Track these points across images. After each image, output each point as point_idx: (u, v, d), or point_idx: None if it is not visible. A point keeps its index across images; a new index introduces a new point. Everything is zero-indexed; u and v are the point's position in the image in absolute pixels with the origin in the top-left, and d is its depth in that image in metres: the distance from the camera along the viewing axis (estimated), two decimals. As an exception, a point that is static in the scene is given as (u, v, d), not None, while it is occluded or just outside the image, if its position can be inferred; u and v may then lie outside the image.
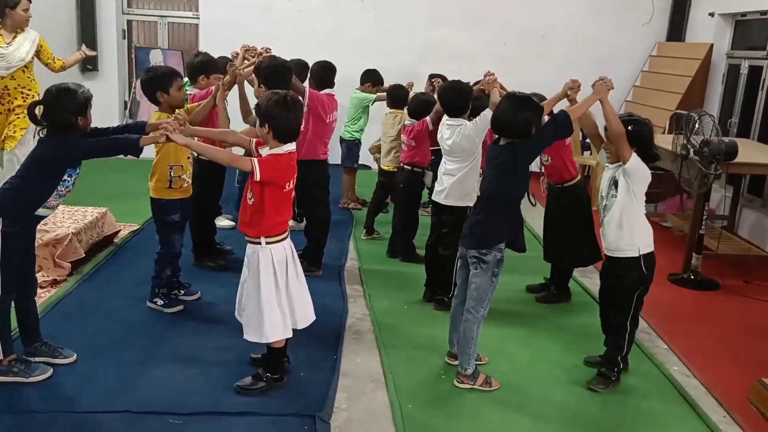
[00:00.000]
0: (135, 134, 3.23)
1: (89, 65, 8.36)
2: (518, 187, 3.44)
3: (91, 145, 3.15)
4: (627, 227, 3.43)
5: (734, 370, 3.80)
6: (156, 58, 8.73)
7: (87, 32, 8.29)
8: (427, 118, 4.96)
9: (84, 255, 4.62)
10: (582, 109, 3.56)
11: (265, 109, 3.06)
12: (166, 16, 8.87)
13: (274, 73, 4.14)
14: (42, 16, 7.31)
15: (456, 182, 4.16)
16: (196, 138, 3.36)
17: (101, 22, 8.48)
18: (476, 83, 4.43)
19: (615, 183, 3.46)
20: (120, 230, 5.34)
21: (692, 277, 5.15)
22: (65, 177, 3.11)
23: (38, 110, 3.13)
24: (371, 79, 6.57)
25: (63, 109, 3.07)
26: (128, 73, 8.92)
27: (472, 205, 3.80)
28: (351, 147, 6.61)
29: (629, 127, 3.42)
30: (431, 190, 5.26)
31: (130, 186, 6.82)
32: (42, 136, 3.12)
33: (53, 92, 3.12)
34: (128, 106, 8.87)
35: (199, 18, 8.65)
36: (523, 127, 3.27)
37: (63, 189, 3.14)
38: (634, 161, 3.37)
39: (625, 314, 3.49)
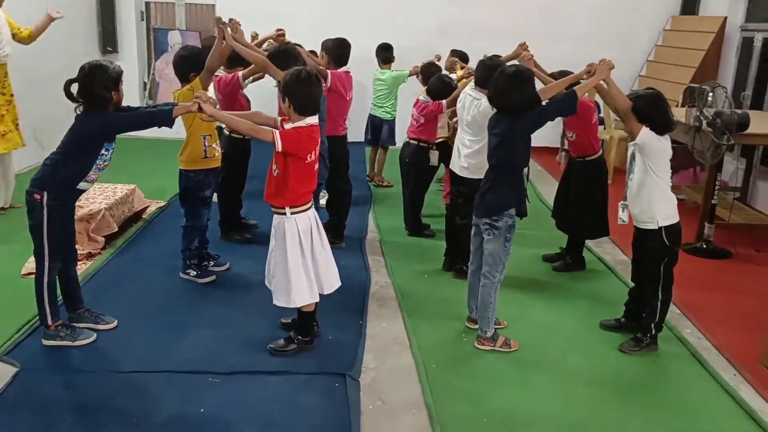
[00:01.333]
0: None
1: (109, 47, 8.51)
2: (520, 156, 3.57)
3: (127, 118, 3.33)
4: (645, 200, 3.57)
5: (745, 333, 3.94)
6: (174, 39, 8.88)
7: (106, 15, 8.43)
8: (444, 102, 5.10)
9: (117, 229, 4.81)
10: (585, 89, 3.68)
11: (285, 85, 3.23)
12: (183, -2, 8.99)
13: (283, 57, 4.23)
14: (61, 1, 7.48)
15: (471, 155, 4.30)
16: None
17: (120, 4, 8.60)
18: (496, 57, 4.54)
19: (633, 158, 3.59)
20: (148, 206, 5.53)
21: (705, 246, 5.27)
22: (103, 151, 3.29)
23: (73, 88, 3.29)
24: (381, 55, 6.69)
25: (97, 84, 3.23)
26: (147, 54, 9.06)
27: None
28: (392, 127, 6.76)
29: (634, 104, 3.55)
30: (436, 167, 5.42)
31: (152, 164, 7.03)
32: (78, 113, 3.28)
33: (87, 68, 3.27)
34: (147, 87, 9.03)
35: (216, -1, 8.75)
36: (515, 100, 3.42)
37: (102, 162, 3.31)
38: (643, 136, 3.50)
39: (655, 284, 3.62)
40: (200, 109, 3.21)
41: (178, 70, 4.12)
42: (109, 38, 8.49)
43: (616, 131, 7.39)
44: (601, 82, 3.67)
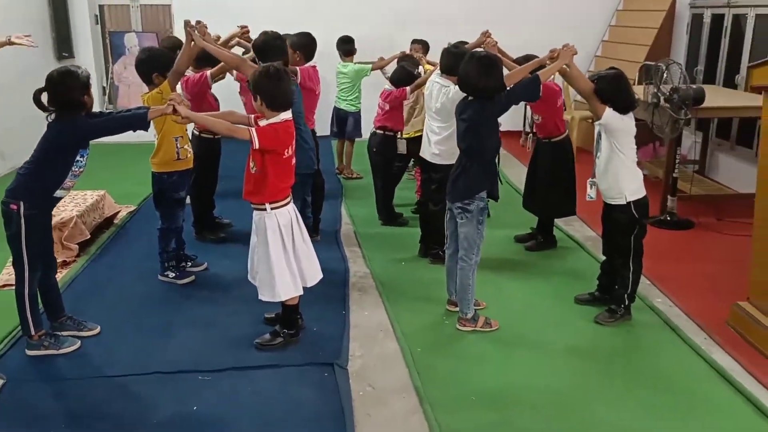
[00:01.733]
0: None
1: (64, 53, 8.35)
2: (489, 140, 3.66)
3: (102, 123, 3.30)
4: (612, 177, 3.70)
5: (712, 298, 4.11)
6: (131, 42, 8.78)
7: (60, 20, 8.27)
8: (407, 88, 5.20)
9: (90, 236, 4.78)
10: (549, 74, 3.77)
11: (255, 83, 3.26)
12: (138, -1, 8.88)
13: (268, 45, 4.21)
14: (13, 6, 7.34)
15: (440, 141, 4.38)
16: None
17: (73, 8, 8.47)
18: (461, 43, 4.63)
19: (599, 137, 3.72)
20: (119, 211, 5.49)
21: (669, 218, 5.46)
22: (78, 157, 3.27)
23: (44, 97, 3.26)
24: (342, 48, 6.73)
25: (69, 89, 3.21)
26: (104, 59, 8.93)
27: None
28: (357, 119, 6.81)
29: (596, 86, 3.67)
30: (404, 156, 5.50)
31: (119, 169, 6.96)
32: (51, 120, 3.26)
33: (56, 76, 3.24)
34: (106, 91, 8.91)
35: (171, -1, 8.67)
36: (486, 86, 3.50)
37: (77, 169, 3.29)
38: (606, 116, 3.63)
39: (625, 256, 3.76)
40: (175, 111, 3.21)
41: (140, 71, 4.09)
42: (64, 44, 8.34)
43: (577, 112, 7.57)
44: (564, 66, 3.78)
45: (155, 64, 4.02)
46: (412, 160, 5.54)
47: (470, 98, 3.61)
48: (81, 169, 3.35)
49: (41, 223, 3.36)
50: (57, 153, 3.25)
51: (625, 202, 3.68)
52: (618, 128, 3.64)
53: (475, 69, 3.51)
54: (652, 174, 6.44)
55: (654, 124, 5.31)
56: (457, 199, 3.69)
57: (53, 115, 3.26)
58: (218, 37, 5.41)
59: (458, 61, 4.14)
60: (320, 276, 3.57)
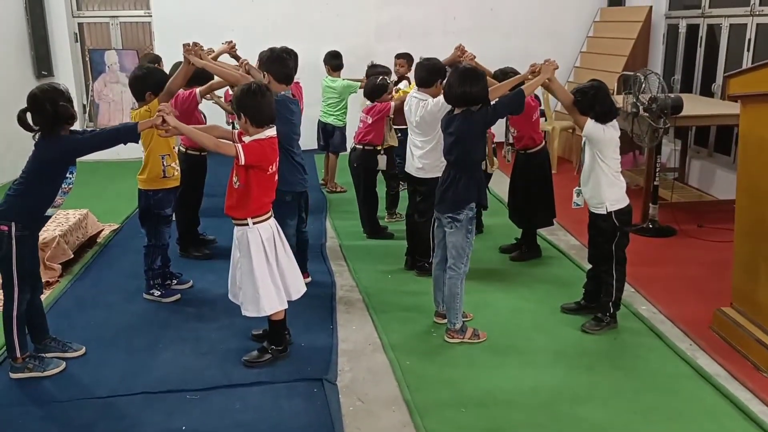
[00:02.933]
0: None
1: (44, 71, 8.29)
2: (476, 152, 3.70)
3: (91, 139, 3.28)
4: (594, 186, 3.75)
5: (696, 304, 4.16)
6: (111, 59, 8.74)
7: (38, 38, 8.22)
8: (392, 103, 5.24)
9: (72, 256, 4.74)
10: (532, 89, 3.83)
11: (237, 101, 3.27)
12: (117, 17, 8.85)
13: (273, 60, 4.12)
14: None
15: (424, 155, 4.40)
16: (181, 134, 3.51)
17: (52, 26, 8.41)
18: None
19: (584, 147, 3.77)
20: (102, 230, 5.45)
21: (651, 226, 5.52)
22: (67, 174, 3.25)
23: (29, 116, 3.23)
24: (330, 63, 6.75)
25: (57, 102, 3.18)
26: (84, 76, 8.88)
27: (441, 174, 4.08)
28: (344, 133, 6.81)
29: (574, 98, 3.73)
30: (385, 172, 5.53)
31: (100, 187, 6.91)
32: (37, 140, 3.24)
33: (38, 93, 3.20)
34: (87, 109, 8.85)
35: (151, 15, 8.66)
36: (470, 98, 3.54)
37: (66, 186, 3.27)
38: (588, 127, 3.69)
39: (609, 263, 3.81)
40: (164, 122, 3.20)
41: (134, 89, 4.09)
42: (43, 62, 8.28)
43: (558, 122, 7.65)
44: (546, 80, 3.83)
45: (150, 83, 4.00)
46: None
47: (455, 111, 3.64)
48: (70, 186, 3.33)
49: (31, 243, 3.33)
50: (46, 172, 3.23)
51: (606, 212, 3.72)
52: (600, 138, 3.69)
53: (459, 81, 3.54)
54: (632, 182, 6.50)
55: (633, 133, 5.38)
56: (446, 211, 3.71)
57: (39, 134, 3.23)
58: (211, 50, 5.39)
59: (431, 74, 4.21)
60: (304, 289, 3.56)
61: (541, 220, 4.95)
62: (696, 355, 3.57)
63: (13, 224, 3.19)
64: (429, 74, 4.28)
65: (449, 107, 4.00)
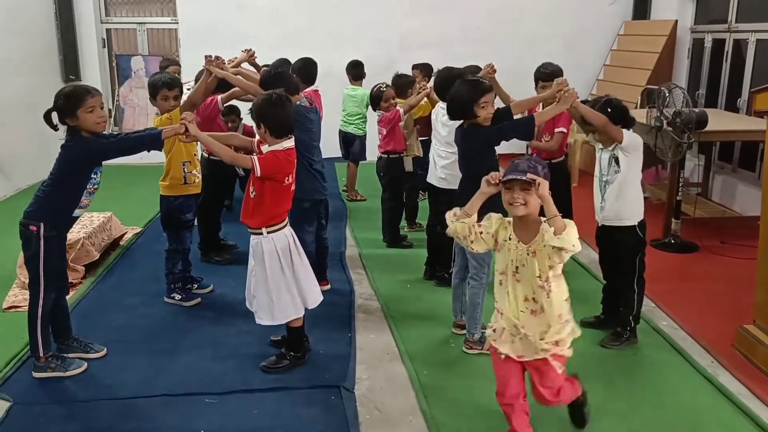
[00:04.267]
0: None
1: (71, 75, 8.45)
2: (486, 164, 3.63)
3: (116, 143, 3.34)
4: (628, 199, 3.70)
5: (718, 320, 4.11)
6: (137, 65, 8.88)
7: (67, 42, 8.39)
8: (400, 108, 5.28)
9: (97, 257, 4.80)
10: (546, 117, 3.82)
11: (257, 111, 3.30)
12: (144, 23, 8.99)
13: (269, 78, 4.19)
14: (22, 29, 7.45)
15: (447, 165, 4.41)
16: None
17: (80, 31, 8.57)
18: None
19: (616, 160, 3.70)
20: (126, 233, 5.51)
21: (672, 241, 5.48)
22: (92, 175, 3.31)
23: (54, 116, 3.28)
24: (352, 72, 6.79)
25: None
26: (110, 81, 9.02)
27: None
28: (364, 142, 6.85)
29: (608, 111, 3.67)
30: (412, 173, 5.56)
31: (124, 191, 6.99)
32: (64, 142, 3.30)
33: (75, 94, 3.25)
34: (112, 113, 8.98)
35: (177, 22, 8.79)
36: (464, 108, 3.54)
37: (92, 186, 3.33)
38: (628, 137, 3.65)
39: (631, 276, 3.78)
40: (186, 130, 3.24)
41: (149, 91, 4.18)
42: (71, 66, 8.44)
43: (579, 135, 7.60)
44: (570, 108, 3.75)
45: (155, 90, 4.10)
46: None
47: (464, 125, 3.65)
48: (95, 186, 3.39)
49: (59, 244, 3.39)
50: (72, 174, 3.29)
51: (634, 223, 3.70)
52: (638, 146, 3.69)
53: (461, 91, 3.55)
54: (654, 197, 6.47)
55: (657, 147, 5.34)
56: None
57: (66, 136, 3.29)
58: (232, 60, 5.46)
59: (448, 84, 4.23)
60: (321, 298, 3.57)
61: None
62: (717, 373, 3.53)
63: (41, 224, 3.25)
64: (445, 84, 4.30)
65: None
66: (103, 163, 3.38)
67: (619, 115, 3.69)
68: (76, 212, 3.36)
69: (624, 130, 3.66)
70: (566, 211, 4.79)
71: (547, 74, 4.58)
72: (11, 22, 7.23)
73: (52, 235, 3.29)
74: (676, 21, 7.79)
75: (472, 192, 3.64)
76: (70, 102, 3.22)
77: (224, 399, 3.22)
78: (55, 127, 3.28)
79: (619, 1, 8.84)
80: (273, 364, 3.50)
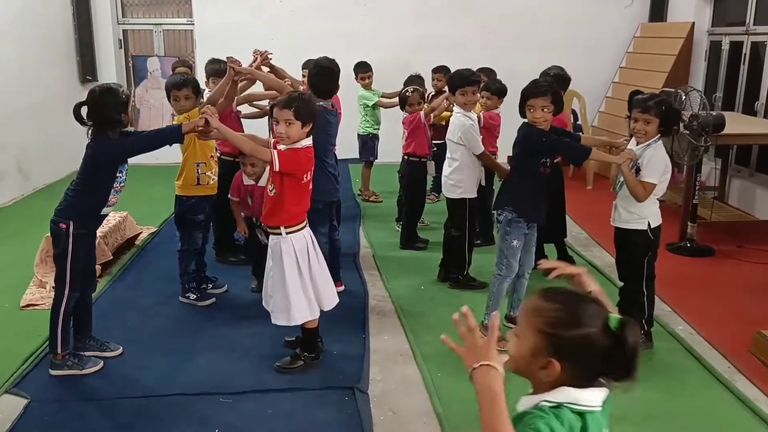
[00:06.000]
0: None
1: (88, 76, 8.51)
2: (527, 162, 3.69)
3: (138, 140, 3.40)
4: (638, 203, 3.64)
5: (734, 325, 4.07)
6: (153, 66, 8.93)
7: (84, 43, 8.46)
8: (421, 112, 5.30)
9: (112, 257, 4.84)
10: (600, 159, 3.95)
11: (298, 109, 3.26)
12: (161, 24, 9.05)
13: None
14: (40, 30, 7.52)
15: (453, 172, 4.49)
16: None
17: (98, 33, 8.63)
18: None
19: (637, 169, 3.64)
20: (141, 232, 5.55)
21: (689, 245, 5.43)
22: (117, 173, 3.33)
23: (83, 111, 3.31)
24: (355, 71, 6.80)
25: (107, 106, 3.27)
26: (126, 82, 9.08)
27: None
28: (366, 141, 6.86)
29: (663, 110, 3.58)
30: (434, 177, 5.59)
31: (139, 191, 7.02)
32: (89, 140, 3.33)
33: (97, 91, 3.32)
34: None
35: (193, 24, 8.84)
36: (520, 104, 3.64)
37: (118, 185, 3.36)
38: (650, 188, 3.59)
39: (639, 280, 3.75)
40: (207, 123, 3.26)
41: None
42: (88, 67, 8.51)
43: (595, 138, 7.56)
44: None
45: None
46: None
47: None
48: (122, 185, 3.42)
49: (87, 242, 3.43)
50: (97, 173, 3.32)
51: (645, 228, 3.67)
52: (666, 178, 3.68)
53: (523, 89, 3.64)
54: (671, 200, 6.42)
55: (673, 150, 5.30)
56: (494, 207, 3.87)
57: (91, 135, 3.32)
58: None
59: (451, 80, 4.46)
60: (336, 300, 3.58)
61: (557, 234, 4.93)
62: (734, 378, 3.50)
63: (71, 222, 3.29)
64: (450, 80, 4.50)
65: (465, 126, 4.32)
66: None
67: (671, 118, 3.65)
68: (105, 210, 3.39)
69: (650, 186, 3.57)
70: (558, 214, 4.78)
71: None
72: (30, 24, 7.30)
73: (81, 234, 3.33)
74: (693, 23, 7.73)
75: (511, 184, 3.77)
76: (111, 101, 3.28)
77: (239, 399, 3.23)
78: (84, 123, 3.31)
79: (635, 3, 8.79)
80: (287, 365, 3.51)
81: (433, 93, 6.35)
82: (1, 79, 6.70)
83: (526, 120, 3.67)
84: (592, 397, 1.46)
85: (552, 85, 3.75)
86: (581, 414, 1.44)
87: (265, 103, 5.45)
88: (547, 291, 1.52)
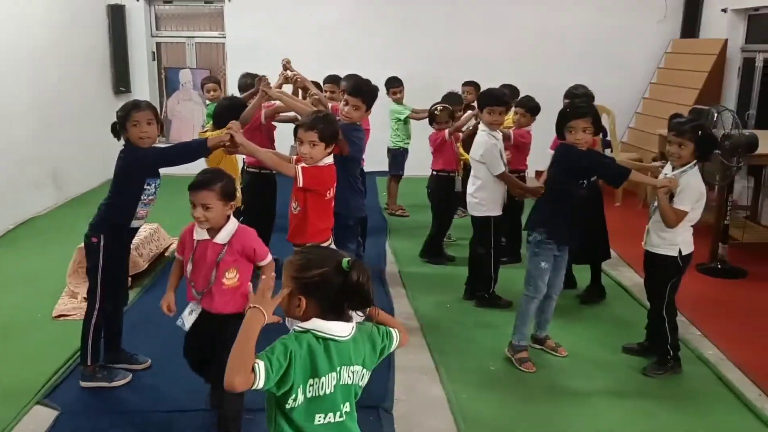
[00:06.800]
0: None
1: (122, 87, 8.68)
2: (565, 183, 3.67)
3: (162, 151, 3.44)
4: (671, 230, 3.60)
5: (766, 350, 4.00)
6: (185, 78, 9.08)
7: (119, 56, 8.63)
8: (445, 132, 5.37)
9: (146, 267, 4.92)
10: (640, 180, 3.84)
11: (324, 130, 3.34)
12: (193, 37, 9.20)
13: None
14: (77, 43, 7.70)
15: (477, 190, 4.49)
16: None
17: (132, 45, 8.79)
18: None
19: (671, 195, 3.60)
20: (171, 244, 5.62)
21: (719, 266, 5.35)
22: (146, 186, 3.37)
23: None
24: (387, 86, 6.84)
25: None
26: (158, 93, 9.23)
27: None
28: (396, 155, 6.92)
29: (699, 134, 3.55)
30: (462, 193, 5.58)
31: (169, 202, 7.11)
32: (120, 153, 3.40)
33: (125, 107, 3.37)
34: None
35: (225, 37, 8.96)
36: (558, 125, 3.63)
37: (146, 198, 3.40)
38: (681, 215, 3.55)
39: (660, 305, 3.71)
40: (232, 138, 3.29)
41: (221, 118, 4.17)
42: (122, 78, 8.68)
43: (624, 154, 7.51)
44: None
45: (236, 113, 4.14)
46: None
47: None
48: (151, 198, 3.45)
49: (118, 256, 3.49)
50: (126, 183, 3.38)
51: (676, 254, 3.62)
52: (701, 204, 3.67)
53: (562, 110, 3.68)
54: (701, 220, 6.31)
55: (705, 170, 5.23)
56: (526, 227, 3.85)
57: (122, 147, 3.39)
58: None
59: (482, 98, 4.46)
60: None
61: (604, 253, 4.83)
62: (765, 406, 3.44)
63: (101, 236, 3.36)
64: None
65: (487, 145, 4.29)
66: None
67: (706, 145, 3.59)
68: (134, 223, 3.45)
69: (684, 210, 3.54)
70: (600, 233, 4.70)
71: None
72: (68, 37, 7.47)
73: (112, 247, 3.39)
74: (726, 40, 7.64)
75: (544, 205, 3.75)
76: (121, 115, 3.34)
77: (262, 415, 3.21)
78: (118, 137, 3.38)
79: (667, 19, 8.71)
80: (311, 383, 3.53)
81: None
82: (40, 91, 6.86)
83: (562, 141, 3.66)
84: (338, 328, 1.88)
85: (592, 106, 3.74)
86: (325, 340, 1.86)
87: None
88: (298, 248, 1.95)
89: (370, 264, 5.22)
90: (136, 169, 3.37)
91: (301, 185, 3.29)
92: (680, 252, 3.62)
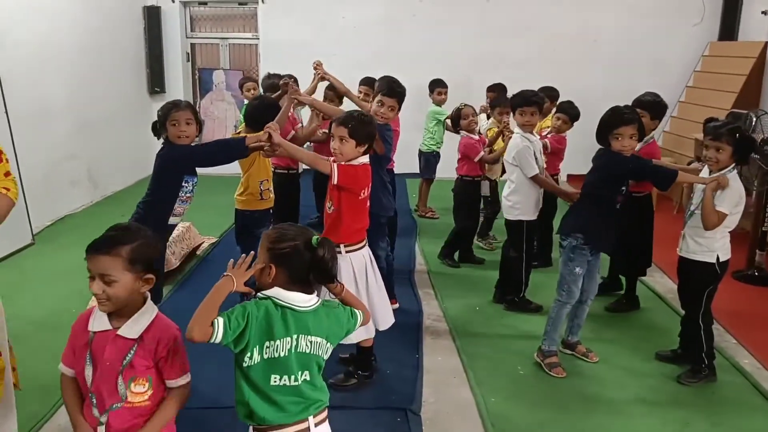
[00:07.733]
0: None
1: (157, 87, 8.82)
2: (600, 187, 3.63)
3: (200, 149, 3.49)
4: (709, 235, 3.53)
5: (805, 362, 3.90)
6: (219, 78, 9.18)
7: (154, 56, 8.76)
8: (481, 152, 5.38)
9: (177, 265, 4.98)
10: (687, 180, 3.72)
11: (355, 128, 3.31)
12: (227, 38, 9.30)
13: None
14: (114, 44, 7.83)
15: (512, 193, 4.46)
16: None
17: (167, 46, 8.94)
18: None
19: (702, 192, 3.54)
20: (203, 242, 5.69)
21: (756, 273, 5.24)
22: (183, 183, 3.40)
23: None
24: (431, 87, 6.83)
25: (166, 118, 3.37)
26: (192, 94, 9.35)
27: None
28: (428, 158, 6.90)
29: (736, 137, 3.47)
30: (488, 197, 5.58)
31: (201, 201, 7.18)
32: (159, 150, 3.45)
33: (165, 107, 3.43)
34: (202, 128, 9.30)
35: (258, 39, 9.04)
36: (601, 132, 3.57)
37: (184, 195, 3.43)
38: (722, 218, 3.47)
39: (696, 312, 3.64)
40: (270, 138, 3.30)
41: (252, 119, 4.23)
42: (156, 79, 8.81)
43: (664, 159, 7.37)
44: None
45: (269, 113, 4.06)
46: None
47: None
48: (188, 195, 3.48)
49: None
50: (164, 180, 3.42)
51: (713, 261, 3.55)
52: (739, 208, 3.60)
53: (605, 116, 3.59)
54: (738, 226, 6.18)
55: (742, 175, 5.12)
56: (559, 231, 3.78)
57: (162, 145, 3.45)
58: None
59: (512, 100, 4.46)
60: (392, 321, 3.58)
61: (645, 266, 4.72)
62: (803, 419, 3.35)
63: None
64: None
65: (519, 147, 4.27)
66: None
67: (744, 147, 3.52)
68: (172, 220, 3.48)
69: (723, 212, 3.46)
70: (646, 246, 4.59)
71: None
72: (105, 38, 7.61)
73: None
74: (766, 42, 7.47)
75: (580, 210, 3.70)
76: (162, 114, 3.39)
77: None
78: (158, 136, 3.44)
79: (704, 21, 8.56)
80: (341, 382, 3.54)
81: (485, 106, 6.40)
82: (76, 91, 7.00)
83: (602, 147, 3.62)
84: (298, 298, 2.08)
85: (635, 111, 3.69)
86: (283, 308, 2.06)
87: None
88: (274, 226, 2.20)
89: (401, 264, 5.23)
90: (175, 163, 3.41)
91: (335, 182, 3.29)
92: (718, 258, 3.54)
